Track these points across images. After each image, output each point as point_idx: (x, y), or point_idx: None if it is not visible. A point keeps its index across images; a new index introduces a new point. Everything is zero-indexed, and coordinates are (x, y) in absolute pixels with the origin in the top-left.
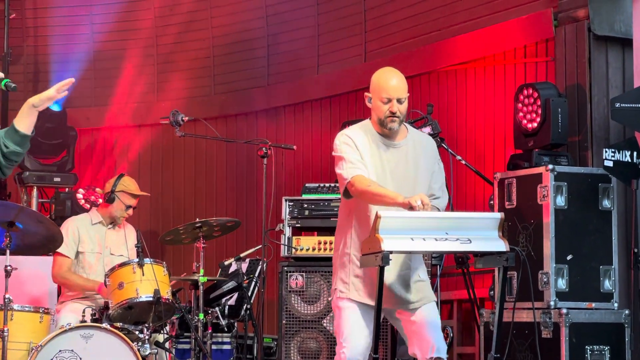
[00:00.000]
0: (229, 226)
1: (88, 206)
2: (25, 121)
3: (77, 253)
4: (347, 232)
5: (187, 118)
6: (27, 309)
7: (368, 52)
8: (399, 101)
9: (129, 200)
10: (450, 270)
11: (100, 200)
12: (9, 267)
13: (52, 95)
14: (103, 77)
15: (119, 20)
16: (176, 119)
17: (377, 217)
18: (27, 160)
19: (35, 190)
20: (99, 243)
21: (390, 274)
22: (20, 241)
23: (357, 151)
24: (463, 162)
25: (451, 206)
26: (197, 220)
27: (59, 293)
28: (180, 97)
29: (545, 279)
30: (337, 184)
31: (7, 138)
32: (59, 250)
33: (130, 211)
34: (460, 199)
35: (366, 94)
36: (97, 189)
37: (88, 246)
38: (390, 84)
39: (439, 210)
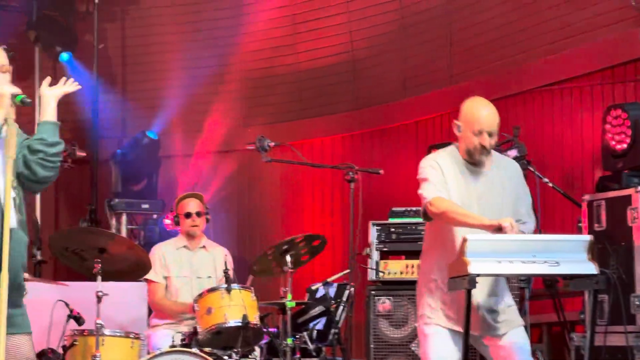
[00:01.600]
0: (316, 246)
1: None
2: (48, 110)
3: (165, 278)
4: (433, 256)
5: (273, 143)
6: (118, 334)
7: (454, 75)
8: (490, 134)
9: (184, 208)
10: (539, 293)
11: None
12: (100, 293)
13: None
14: (191, 104)
15: (204, 47)
16: (262, 145)
17: (464, 240)
18: (117, 186)
19: (124, 216)
20: (185, 267)
21: (477, 299)
22: (111, 267)
23: (442, 175)
24: (550, 184)
25: (539, 229)
26: (282, 241)
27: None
28: (267, 122)
29: (637, 302)
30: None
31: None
32: (149, 277)
33: (195, 219)
34: (548, 221)
35: (455, 121)
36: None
37: (175, 271)
38: (482, 116)
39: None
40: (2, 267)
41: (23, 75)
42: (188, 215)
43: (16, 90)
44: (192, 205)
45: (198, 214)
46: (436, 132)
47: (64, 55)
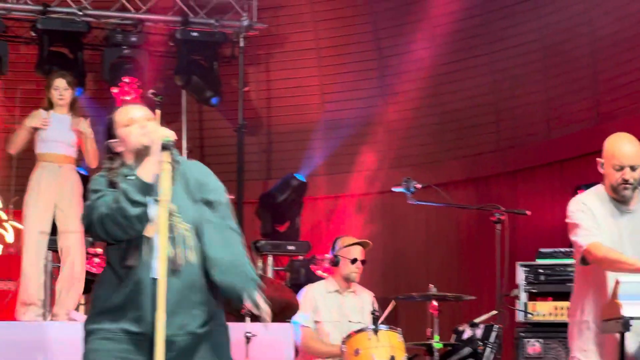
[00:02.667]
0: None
1: (322, 274)
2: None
3: (315, 321)
4: (585, 298)
5: (419, 185)
6: None
7: (600, 114)
8: (632, 168)
9: (351, 254)
10: None
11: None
12: (248, 334)
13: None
14: (334, 146)
15: (347, 90)
16: (408, 186)
17: (617, 282)
18: (266, 227)
19: (270, 258)
20: (336, 311)
21: (632, 342)
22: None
23: (592, 218)
24: None
25: None
26: (432, 290)
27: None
28: (412, 163)
29: None
30: (572, 249)
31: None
32: (298, 319)
33: (359, 266)
34: None
35: (598, 159)
36: (327, 256)
37: (325, 315)
38: (623, 151)
39: None
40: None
41: (170, 119)
42: (354, 261)
43: (164, 133)
44: (361, 253)
45: (363, 262)
46: (582, 172)
47: (214, 100)
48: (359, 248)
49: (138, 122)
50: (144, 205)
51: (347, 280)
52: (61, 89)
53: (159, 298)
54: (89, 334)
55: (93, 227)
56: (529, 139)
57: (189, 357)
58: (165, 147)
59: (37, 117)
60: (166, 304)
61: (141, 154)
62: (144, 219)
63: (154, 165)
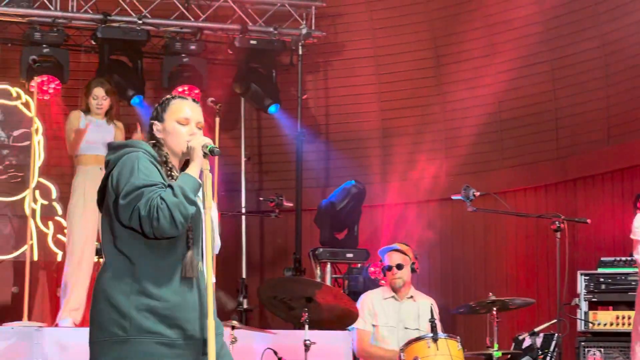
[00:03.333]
0: (523, 304)
1: (380, 281)
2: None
3: (373, 326)
4: None
5: (478, 193)
6: None
7: None
8: None
9: (387, 261)
10: None
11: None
12: (307, 341)
13: None
14: (392, 153)
15: (404, 98)
16: (467, 194)
17: None
18: (325, 235)
19: (328, 266)
20: (393, 317)
21: None
22: (318, 316)
23: None
24: None
25: None
26: (490, 297)
27: None
28: (469, 171)
29: None
30: (634, 258)
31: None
32: (357, 325)
33: (395, 272)
34: None
35: None
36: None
37: (382, 320)
38: None
39: None
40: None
41: (229, 127)
42: (389, 268)
43: (206, 140)
44: (394, 258)
45: (398, 267)
46: None
47: (273, 108)
48: (395, 254)
49: (190, 125)
50: (197, 205)
51: (396, 288)
52: (100, 98)
53: (209, 300)
54: (141, 333)
55: (140, 218)
56: (590, 146)
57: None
58: (208, 154)
59: (79, 119)
60: (205, 306)
61: (182, 153)
62: (191, 218)
63: (198, 168)
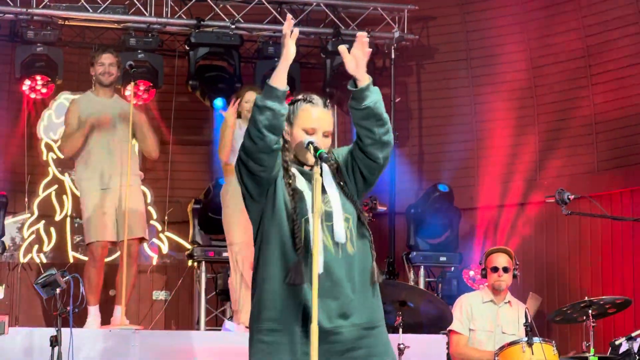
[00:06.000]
0: (619, 303)
1: (474, 285)
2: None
3: (470, 330)
4: None
5: (573, 196)
6: None
7: None
8: None
9: (491, 262)
10: None
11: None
12: (401, 346)
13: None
14: (485, 156)
15: (498, 100)
16: (562, 197)
17: None
18: (412, 239)
19: (422, 269)
20: (490, 321)
21: None
22: (411, 320)
23: None
24: None
25: None
26: (585, 299)
27: None
28: (563, 174)
29: None
30: None
31: None
32: (454, 327)
33: (501, 274)
34: None
35: None
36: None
37: (479, 324)
38: None
39: None
40: (313, 319)
41: None
42: (495, 269)
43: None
44: (501, 260)
45: (505, 269)
46: None
47: None
48: (500, 256)
49: (317, 135)
50: (272, 110)
51: (495, 289)
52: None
53: (313, 306)
54: (266, 333)
55: (237, 165)
56: None
57: (353, 350)
58: (319, 159)
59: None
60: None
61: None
62: (273, 127)
63: (285, 73)
